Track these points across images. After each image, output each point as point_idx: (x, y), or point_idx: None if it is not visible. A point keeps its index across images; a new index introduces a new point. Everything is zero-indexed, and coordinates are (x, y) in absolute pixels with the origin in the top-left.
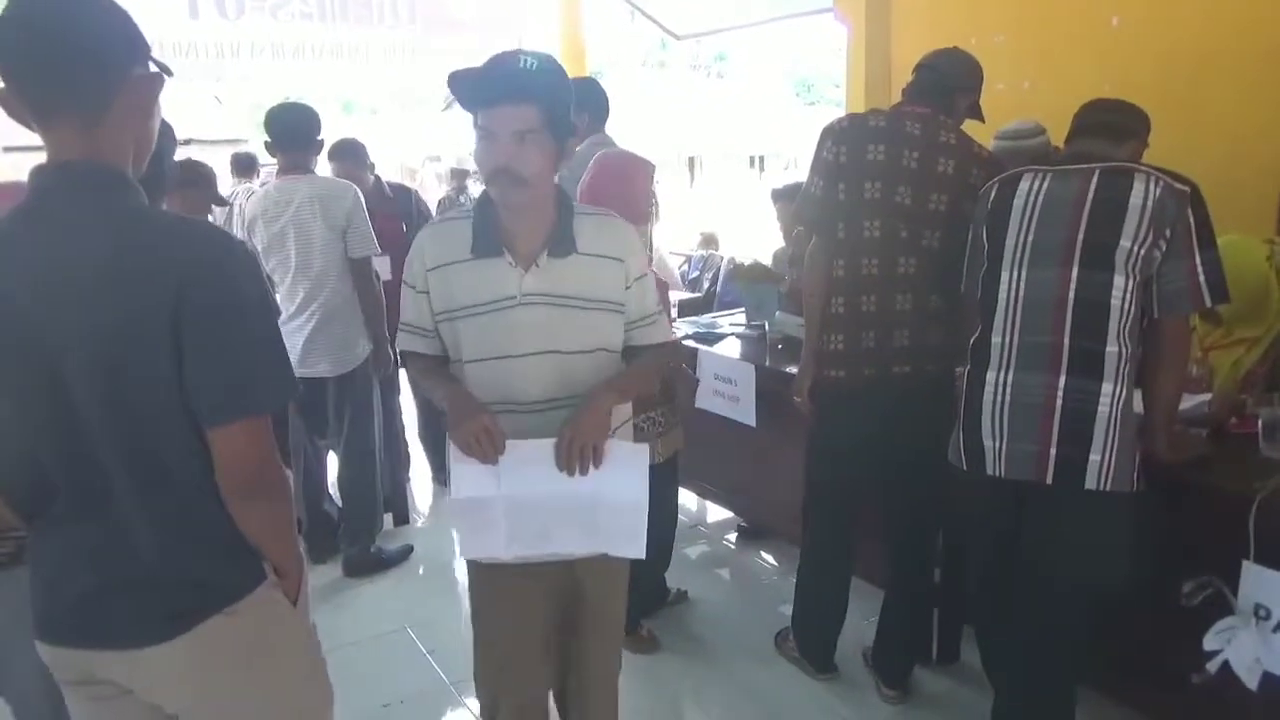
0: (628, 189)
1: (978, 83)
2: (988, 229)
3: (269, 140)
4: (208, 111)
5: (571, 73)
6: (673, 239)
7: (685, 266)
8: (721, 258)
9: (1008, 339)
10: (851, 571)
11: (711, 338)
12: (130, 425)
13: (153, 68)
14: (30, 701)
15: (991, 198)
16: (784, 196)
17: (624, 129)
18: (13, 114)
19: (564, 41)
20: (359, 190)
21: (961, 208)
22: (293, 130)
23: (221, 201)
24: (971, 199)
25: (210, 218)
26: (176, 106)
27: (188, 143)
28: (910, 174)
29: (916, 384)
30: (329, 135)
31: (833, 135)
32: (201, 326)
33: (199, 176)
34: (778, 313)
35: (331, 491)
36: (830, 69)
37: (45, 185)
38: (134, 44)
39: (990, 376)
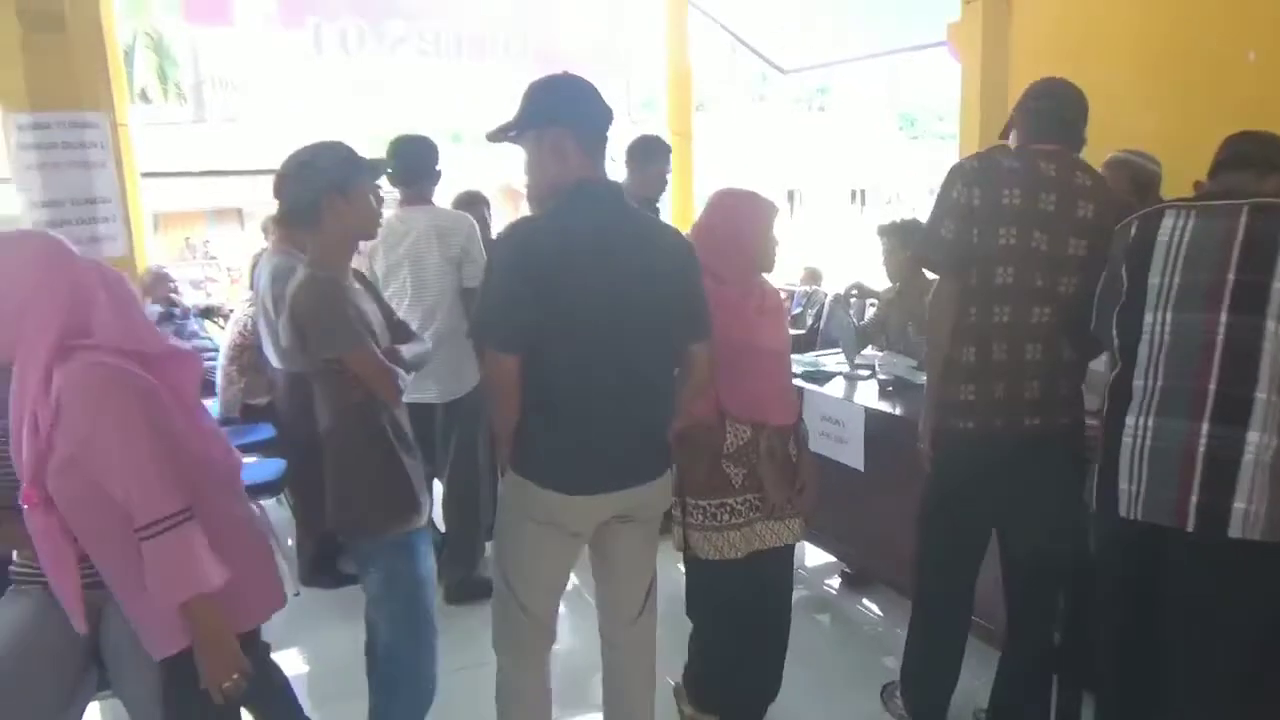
0: (744, 229)
1: (1087, 111)
2: (1128, 268)
3: (390, 171)
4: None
5: (679, 109)
6: (773, 273)
7: (788, 302)
8: (825, 294)
9: (1150, 382)
10: (968, 629)
11: (819, 377)
12: None
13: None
14: (143, 704)
15: (1132, 234)
16: (891, 233)
17: (725, 162)
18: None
19: (670, 76)
20: (475, 221)
21: (1099, 253)
22: (414, 162)
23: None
24: (1109, 243)
25: None
26: (295, 137)
27: None
28: (1047, 218)
29: (1047, 436)
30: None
31: (964, 177)
32: None
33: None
34: (887, 353)
35: (434, 518)
36: (935, 103)
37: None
38: None
39: (1130, 420)
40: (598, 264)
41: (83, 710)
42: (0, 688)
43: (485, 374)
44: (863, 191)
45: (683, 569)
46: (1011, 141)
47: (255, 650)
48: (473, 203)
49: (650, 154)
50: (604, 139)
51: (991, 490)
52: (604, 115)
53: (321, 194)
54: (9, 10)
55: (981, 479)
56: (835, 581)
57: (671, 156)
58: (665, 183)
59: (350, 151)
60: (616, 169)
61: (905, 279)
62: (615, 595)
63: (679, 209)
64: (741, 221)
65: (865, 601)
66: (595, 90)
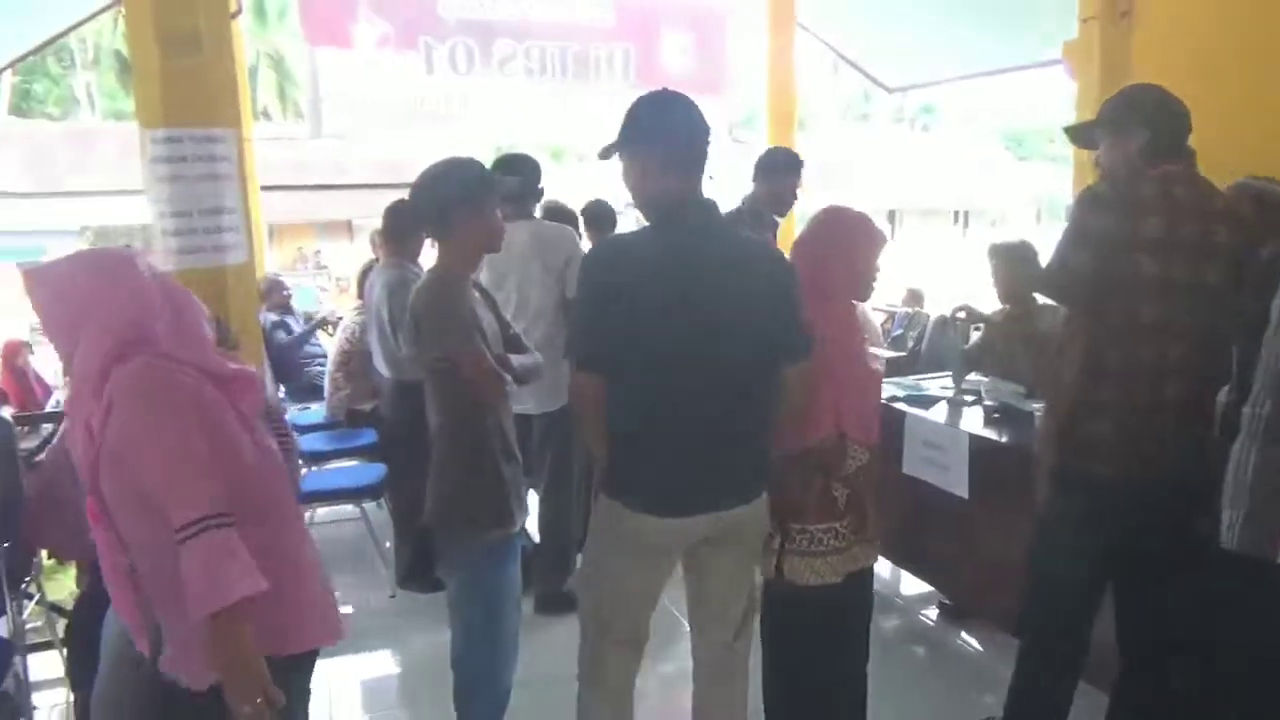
0: (858, 248)
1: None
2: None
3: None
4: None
5: (781, 127)
6: (874, 294)
7: (889, 323)
8: (927, 316)
9: (1258, 410)
10: (1080, 675)
11: (923, 400)
12: None
13: None
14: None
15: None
16: (1003, 254)
17: (825, 181)
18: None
19: (772, 94)
20: (576, 234)
21: (1232, 280)
22: (519, 177)
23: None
24: (1239, 269)
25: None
26: (405, 153)
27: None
28: (1187, 247)
29: (1183, 478)
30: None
31: (1098, 204)
32: None
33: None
34: (993, 378)
35: (529, 528)
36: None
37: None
38: None
39: (1235, 448)
40: (684, 282)
41: None
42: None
43: (570, 392)
44: (966, 213)
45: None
46: (1101, 156)
47: (294, 681)
48: (559, 217)
49: (781, 167)
50: (696, 156)
51: (1118, 538)
52: (695, 132)
53: (453, 206)
54: (149, 35)
55: (1109, 523)
56: (932, 612)
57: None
58: (795, 197)
59: (482, 168)
60: (728, 187)
61: (1016, 302)
62: (709, 617)
63: (782, 229)
64: (857, 239)
65: (964, 635)
66: (688, 106)
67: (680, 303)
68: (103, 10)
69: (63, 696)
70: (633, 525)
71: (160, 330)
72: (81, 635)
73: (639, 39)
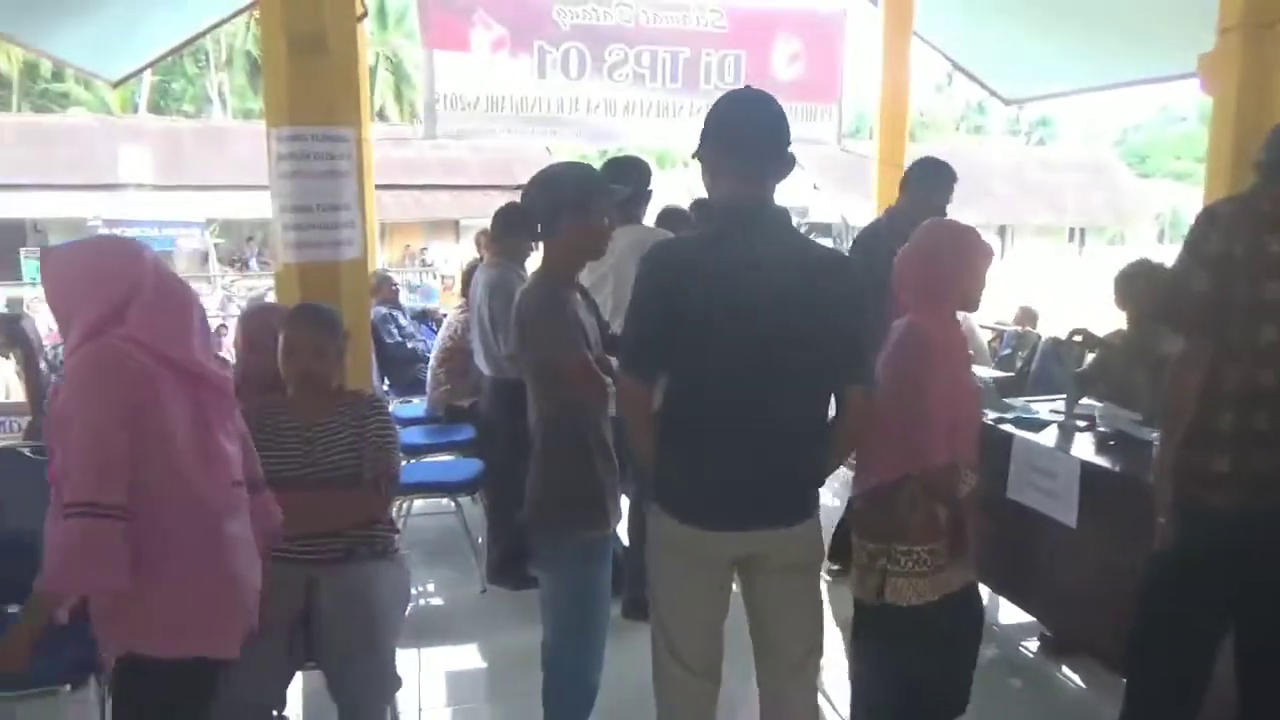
0: (968, 263)
1: None
2: None
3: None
4: (538, 161)
5: (893, 138)
6: (982, 312)
7: (996, 342)
8: (1038, 335)
9: None
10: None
11: (1033, 423)
12: None
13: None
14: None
15: None
16: (1131, 277)
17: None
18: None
19: (884, 104)
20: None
21: None
22: (626, 182)
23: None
24: None
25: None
26: (514, 156)
27: (518, 188)
28: None
29: None
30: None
31: (1219, 223)
32: None
33: (524, 219)
34: (1107, 403)
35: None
36: (1169, 139)
37: None
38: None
39: None
40: (735, 290)
41: (292, 676)
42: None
43: (617, 396)
44: (1082, 231)
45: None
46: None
47: (202, 682)
48: (674, 219)
49: (937, 179)
50: (763, 159)
51: (1240, 574)
52: (764, 134)
53: (562, 209)
54: (279, 35)
55: (1230, 561)
56: (1032, 643)
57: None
58: (944, 213)
59: (593, 173)
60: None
61: (1135, 325)
62: (765, 643)
63: None
64: (966, 251)
65: (1065, 670)
66: (762, 107)
67: (730, 312)
68: (238, 13)
69: None
70: (670, 533)
71: (132, 315)
72: None
73: (750, 45)
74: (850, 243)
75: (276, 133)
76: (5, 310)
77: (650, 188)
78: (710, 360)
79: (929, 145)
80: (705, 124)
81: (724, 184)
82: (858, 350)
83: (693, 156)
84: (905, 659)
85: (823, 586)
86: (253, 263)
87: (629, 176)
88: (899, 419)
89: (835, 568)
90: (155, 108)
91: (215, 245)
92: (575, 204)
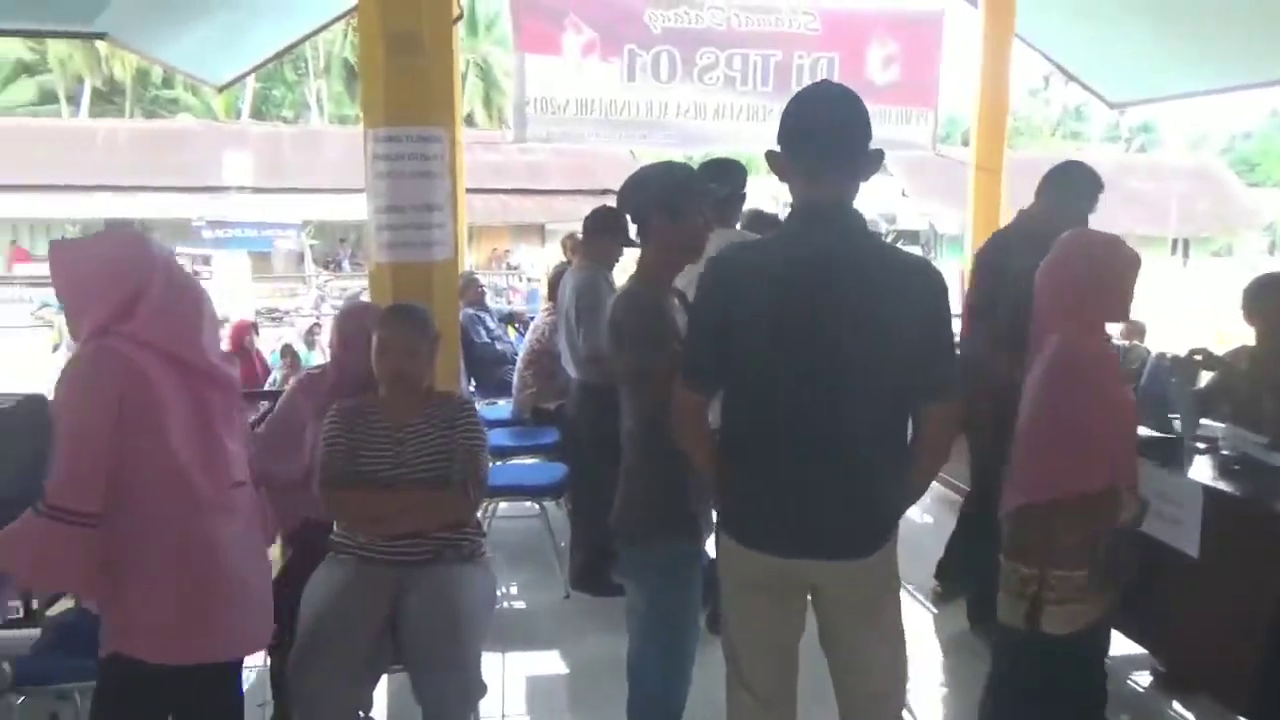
0: (1124, 275)
1: None
2: None
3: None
4: (624, 166)
5: (991, 142)
6: None
7: None
8: (1147, 350)
9: None
10: None
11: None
12: None
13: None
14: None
15: None
16: (1263, 291)
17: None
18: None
19: (983, 108)
20: None
21: None
22: (724, 182)
23: (632, 244)
24: None
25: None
26: (598, 160)
27: (603, 193)
28: None
29: None
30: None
31: None
32: None
33: (613, 223)
34: (1229, 425)
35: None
36: None
37: None
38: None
39: None
40: (800, 299)
41: (378, 678)
42: (322, 639)
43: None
44: (1186, 242)
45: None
46: None
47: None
48: (763, 224)
49: (1084, 185)
50: (833, 156)
51: None
52: (834, 131)
53: (658, 209)
54: (377, 36)
55: None
56: (1144, 678)
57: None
58: (1086, 224)
59: (688, 174)
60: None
61: (1265, 340)
62: (842, 674)
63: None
64: (1117, 264)
65: (1178, 707)
66: (832, 104)
67: (792, 321)
68: (339, 18)
69: (259, 659)
70: (732, 555)
71: (141, 312)
72: (282, 603)
73: (844, 47)
74: (937, 251)
75: (373, 133)
76: None
77: (745, 191)
78: (771, 373)
79: (1024, 151)
80: (780, 123)
81: (795, 185)
82: (939, 364)
83: (766, 156)
84: (1052, 688)
85: (916, 606)
86: (345, 264)
87: (727, 177)
88: (1053, 441)
89: (941, 589)
90: (257, 114)
91: (310, 246)
92: (671, 204)
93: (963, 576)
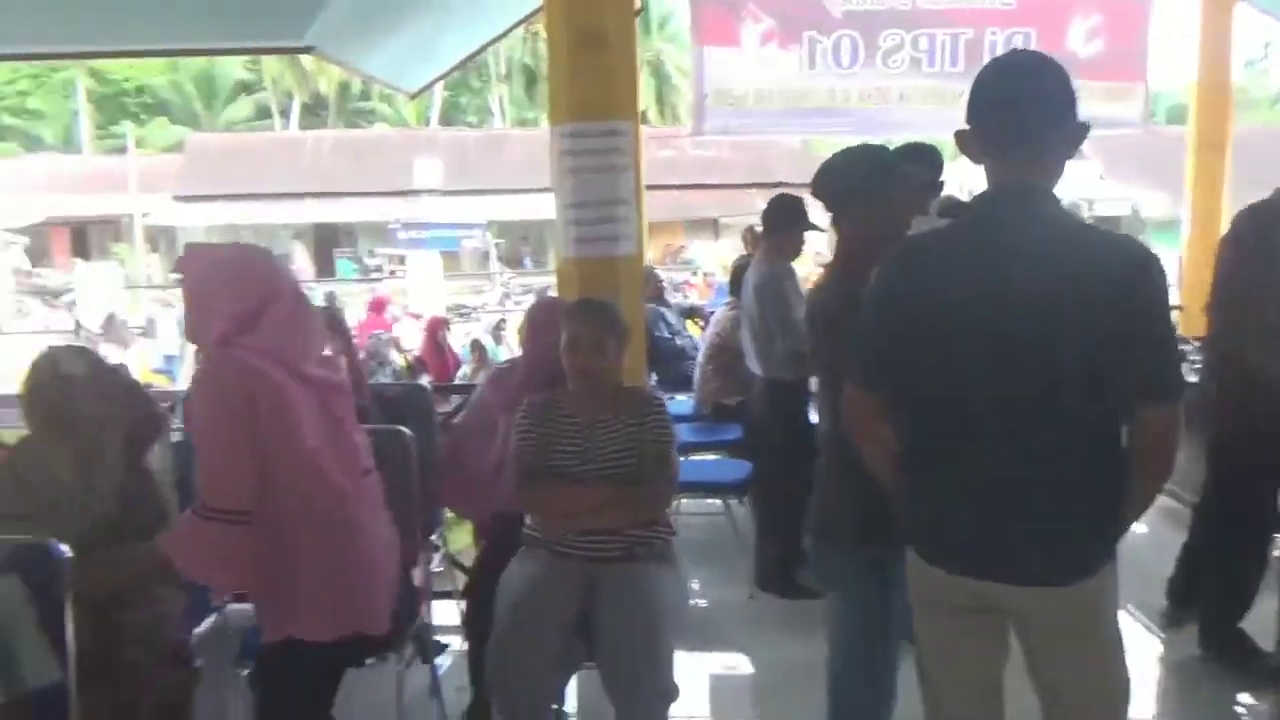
0: None
1: None
2: None
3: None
4: (798, 157)
5: (1213, 116)
6: None
7: None
8: None
9: None
10: None
11: None
12: None
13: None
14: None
15: None
16: None
17: (1254, 179)
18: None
19: (1202, 79)
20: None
21: None
22: (923, 166)
23: (815, 229)
24: None
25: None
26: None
27: (777, 185)
28: None
29: None
30: None
31: None
32: None
33: (794, 213)
34: None
35: None
36: None
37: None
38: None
39: None
40: (983, 288)
41: (570, 675)
42: (517, 633)
43: (844, 410)
44: None
45: None
46: None
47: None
48: (956, 212)
49: None
50: (1016, 132)
51: None
52: (1027, 103)
53: (856, 195)
54: (563, 33)
55: None
56: None
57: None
58: None
59: (888, 155)
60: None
61: None
62: (1051, 710)
63: (1204, 232)
64: None
65: None
66: (1019, 73)
67: (980, 318)
68: (521, 21)
69: (457, 642)
70: (918, 572)
71: (264, 325)
72: (479, 590)
73: (1042, 21)
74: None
75: (559, 130)
76: (324, 303)
77: (943, 178)
78: (955, 375)
79: (1244, 125)
80: (970, 96)
81: (988, 165)
82: (1156, 361)
83: (956, 137)
84: None
85: (1140, 630)
86: (527, 261)
87: (924, 162)
88: None
89: (1171, 611)
90: (445, 120)
91: (495, 245)
92: (870, 190)
93: (1195, 597)
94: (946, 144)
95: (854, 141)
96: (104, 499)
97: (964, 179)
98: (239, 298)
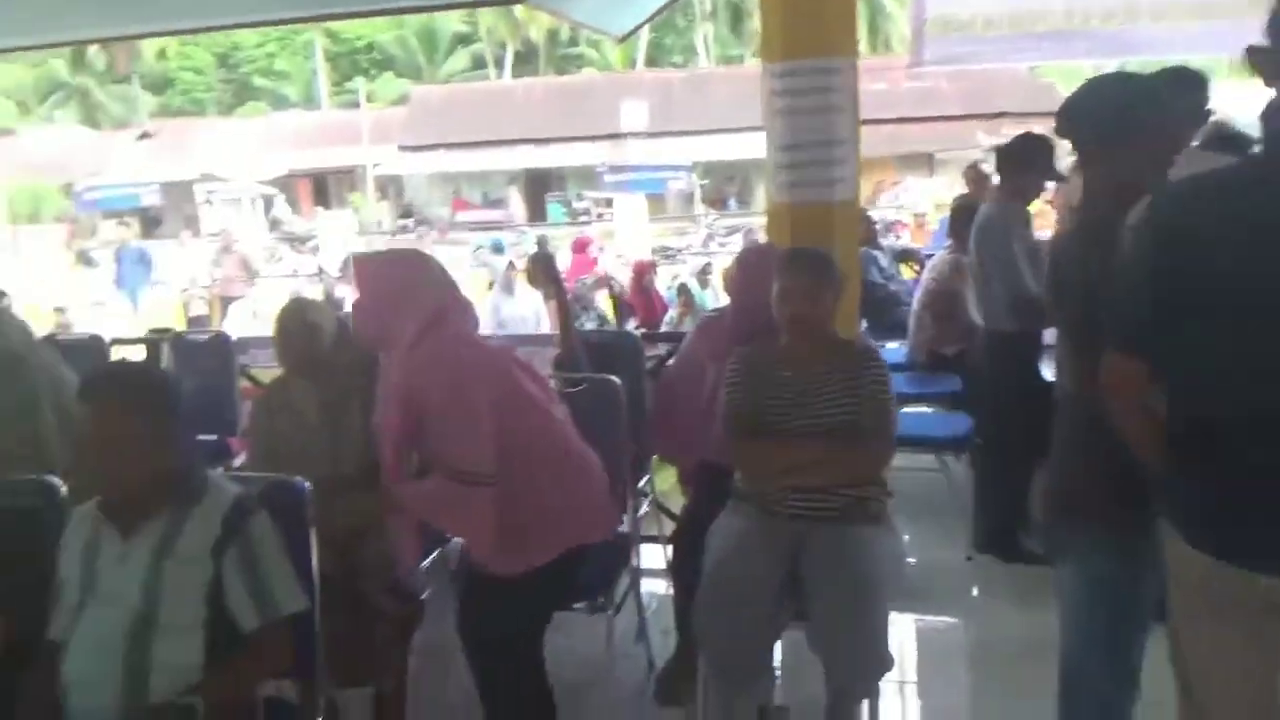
0: None
1: None
2: None
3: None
4: (1023, 85)
5: None
6: None
7: None
8: None
9: None
10: None
11: None
12: None
13: None
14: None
15: None
16: None
17: None
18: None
19: None
20: None
21: None
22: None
23: (1058, 178)
24: None
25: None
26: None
27: (1000, 115)
28: None
29: None
30: None
31: None
32: None
33: (1036, 154)
34: None
35: None
36: None
37: None
38: None
39: None
40: (1266, 242)
41: (779, 633)
42: (725, 589)
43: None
44: None
45: None
46: None
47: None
48: (1226, 144)
49: None
50: None
51: None
52: None
53: (1106, 134)
54: None
55: None
56: None
57: None
58: None
59: (1148, 87)
60: None
61: None
62: None
63: None
64: None
65: None
66: None
67: (1269, 273)
68: None
69: (662, 587)
70: (1184, 561)
71: (451, 318)
72: (686, 540)
73: None
74: None
75: (771, 68)
76: (536, 248)
77: (1209, 106)
78: (1242, 342)
79: None
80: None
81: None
82: None
83: (1247, 55)
84: None
85: None
86: (731, 202)
87: (1185, 89)
88: None
89: None
90: (650, 62)
91: (700, 186)
92: (1128, 123)
93: None
94: (1211, 68)
95: (1091, 67)
96: (349, 443)
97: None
98: (417, 304)
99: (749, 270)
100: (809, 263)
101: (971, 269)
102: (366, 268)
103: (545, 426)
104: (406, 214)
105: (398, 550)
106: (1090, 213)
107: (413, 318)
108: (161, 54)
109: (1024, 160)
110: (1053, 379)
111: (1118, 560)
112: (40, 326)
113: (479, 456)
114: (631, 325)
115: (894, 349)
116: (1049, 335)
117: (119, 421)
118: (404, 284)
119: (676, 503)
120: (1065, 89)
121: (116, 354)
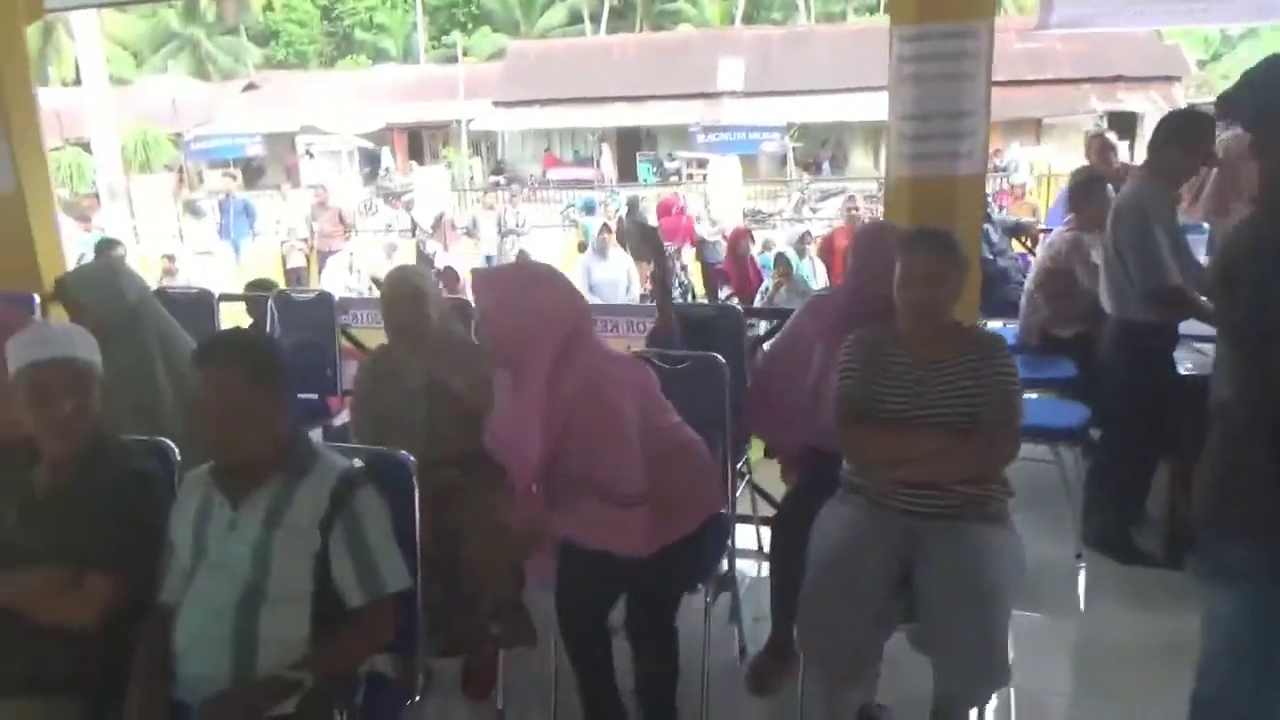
0: None
1: None
2: None
3: None
4: (1144, 47)
5: None
6: None
7: None
8: None
9: None
10: None
11: None
12: None
13: None
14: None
15: None
16: None
17: None
18: None
19: None
20: None
21: None
22: None
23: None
24: None
25: None
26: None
27: (1117, 79)
28: None
29: None
30: None
31: None
32: None
33: (1195, 132)
34: None
35: None
36: None
37: None
38: None
39: None
40: None
41: (889, 634)
42: (832, 585)
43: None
44: None
45: None
46: None
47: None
48: None
49: None
50: None
51: None
52: None
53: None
54: None
55: None
56: None
57: None
58: None
59: None
60: None
61: None
62: None
63: None
64: None
65: None
66: None
67: None
68: None
69: (754, 569)
70: None
71: (585, 323)
72: (789, 529)
73: None
74: None
75: (900, 32)
76: (626, 209)
77: None
78: None
79: None
80: None
81: None
82: None
83: None
84: None
85: None
86: (825, 166)
87: None
88: None
89: None
90: (749, 19)
91: (793, 149)
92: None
93: None
94: None
95: (1217, 31)
96: (448, 422)
97: None
98: (553, 332)
99: (865, 249)
100: (935, 244)
101: (1106, 250)
102: (493, 282)
103: (677, 424)
104: (498, 170)
105: (502, 521)
106: (1262, 206)
107: (555, 333)
108: (268, 6)
109: (1186, 138)
110: (1184, 373)
111: (1252, 579)
112: (150, 276)
113: (633, 478)
114: (724, 295)
115: (1004, 329)
116: (1184, 327)
117: (236, 391)
118: (539, 301)
119: (762, 478)
120: (1192, 53)
121: (224, 310)
